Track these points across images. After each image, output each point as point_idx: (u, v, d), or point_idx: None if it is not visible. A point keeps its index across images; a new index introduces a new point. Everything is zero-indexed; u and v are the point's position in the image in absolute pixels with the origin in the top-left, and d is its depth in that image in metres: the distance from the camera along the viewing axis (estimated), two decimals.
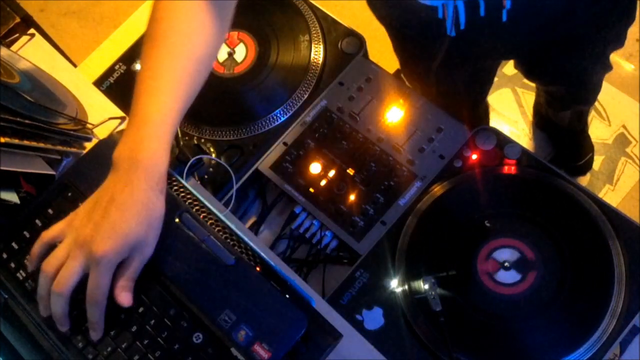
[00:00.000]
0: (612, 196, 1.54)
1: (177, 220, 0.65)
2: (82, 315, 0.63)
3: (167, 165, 0.61)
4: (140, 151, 0.59)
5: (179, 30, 0.63)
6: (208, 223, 0.66)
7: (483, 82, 1.10)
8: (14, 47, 0.91)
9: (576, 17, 0.80)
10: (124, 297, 0.59)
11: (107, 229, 0.57)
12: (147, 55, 0.63)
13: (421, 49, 0.91)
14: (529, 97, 1.65)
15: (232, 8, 0.68)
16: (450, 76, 0.96)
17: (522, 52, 0.95)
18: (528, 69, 1.05)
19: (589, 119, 1.54)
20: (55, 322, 0.60)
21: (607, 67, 1.03)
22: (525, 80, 1.67)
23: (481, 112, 1.23)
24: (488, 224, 0.76)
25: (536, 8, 0.75)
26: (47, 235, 0.62)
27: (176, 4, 0.63)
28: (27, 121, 0.66)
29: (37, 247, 0.62)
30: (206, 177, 0.84)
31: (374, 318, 0.74)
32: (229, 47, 0.93)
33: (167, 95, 0.61)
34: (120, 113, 0.84)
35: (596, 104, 1.59)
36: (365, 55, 0.91)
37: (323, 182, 0.82)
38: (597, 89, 1.19)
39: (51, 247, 0.61)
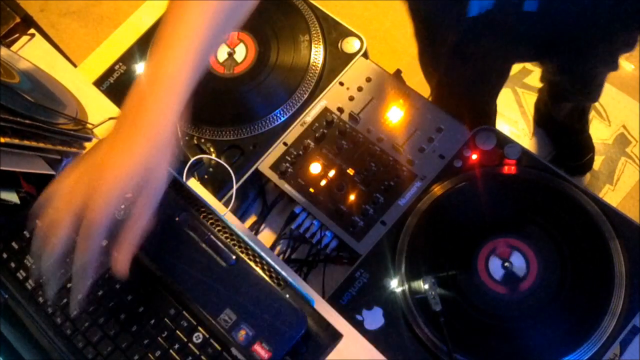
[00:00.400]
0: (612, 196, 1.54)
1: (177, 220, 0.65)
2: (84, 317, 0.63)
3: (175, 120, 0.57)
4: (147, 108, 0.55)
5: None
6: (208, 223, 0.66)
7: (492, 84, 1.09)
8: (14, 47, 0.91)
9: (598, 18, 0.80)
10: (120, 269, 0.53)
11: (103, 176, 0.53)
12: (172, 5, 0.59)
13: (436, 27, 0.90)
14: (529, 97, 1.65)
15: None
16: (460, 68, 0.95)
17: (535, 52, 0.95)
18: (535, 55, 1.03)
19: (590, 117, 1.54)
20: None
21: (614, 67, 1.03)
22: (526, 80, 1.67)
23: (489, 112, 1.23)
24: (466, 224, 0.76)
25: (566, 4, 0.74)
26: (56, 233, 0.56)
27: None
28: (27, 121, 0.66)
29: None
30: (206, 177, 0.84)
31: (374, 318, 0.74)
32: (229, 47, 0.93)
33: (184, 56, 0.57)
34: None
35: (596, 104, 1.59)
36: (365, 55, 0.91)
37: (323, 182, 0.82)
38: (600, 86, 1.20)
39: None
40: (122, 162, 0.54)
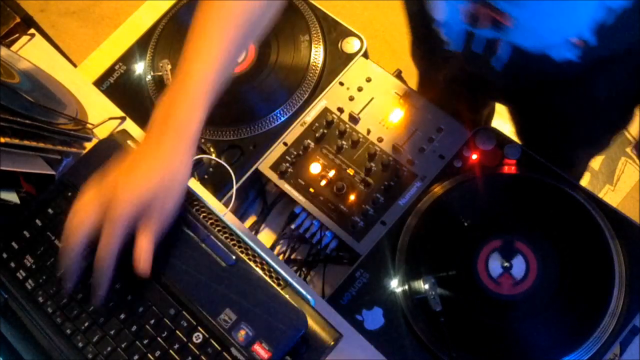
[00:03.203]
0: (612, 196, 1.54)
1: (176, 220, 0.65)
2: (84, 316, 0.63)
3: (201, 127, 0.61)
4: (174, 111, 0.60)
5: None
6: (208, 223, 0.66)
7: (483, 103, 1.09)
8: (14, 47, 0.91)
9: (569, 96, 0.79)
10: (143, 265, 0.58)
11: (127, 181, 0.58)
12: (202, 8, 0.62)
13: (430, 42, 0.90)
14: None
15: None
16: (453, 83, 0.96)
17: (508, 99, 0.95)
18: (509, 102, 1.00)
19: None
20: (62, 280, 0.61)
21: (596, 147, 1.00)
22: None
23: (485, 113, 1.23)
24: (466, 224, 0.76)
25: (530, 69, 0.74)
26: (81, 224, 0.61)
27: None
28: (27, 121, 0.66)
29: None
30: (206, 177, 0.84)
31: (374, 318, 0.74)
32: None
33: (212, 54, 0.61)
34: (120, 113, 0.84)
35: None
36: (365, 55, 0.91)
37: (323, 182, 0.82)
38: (579, 166, 1.12)
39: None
40: (153, 164, 0.59)
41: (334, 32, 0.92)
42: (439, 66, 0.93)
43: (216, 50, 0.62)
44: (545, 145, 0.85)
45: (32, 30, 0.93)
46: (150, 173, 0.59)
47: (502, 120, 1.62)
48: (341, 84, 0.88)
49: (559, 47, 0.67)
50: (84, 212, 0.59)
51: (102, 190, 0.59)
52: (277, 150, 0.85)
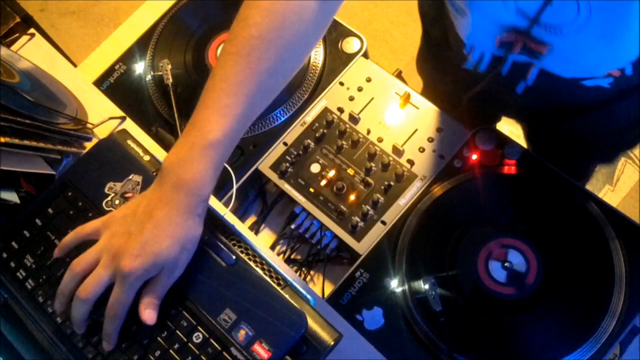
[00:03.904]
0: (612, 196, 1.54)
1: None
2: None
3: (212, 189, 0.59)
4: (188, 170, 0.57)
5: (269, 41, 0.57)
6: (208, 223, 0.66)
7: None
8: (14, 47, 0.91)
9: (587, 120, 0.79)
10: (148, 315, 0.58)
11: (139, 246, 0.56)
12: (226, 60, 0.57)
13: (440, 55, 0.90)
14: None
15: (334, 14, 0.63)
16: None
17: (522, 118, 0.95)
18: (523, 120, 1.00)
19: None
20: (72, 325, 0.60)
21: (611, 161, 1.02)
22: None
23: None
24: (466, 224, 0.76)
25: (556, 94, 0.73)
26: (82, 231, 0.61)
27: (276, 7, 0.56)
28: (27, 121, 0.66)
29: (68, 239, 0.61)
30: None
31: (374, 318, 0.74)
32: None
33: (233, 116, 0.57)
34: (120, 113, 0.84)
35: None
36: (366, 55, 0.91)
37: (323, 182, 0.82)
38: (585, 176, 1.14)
39: (82, 242, 0.61)
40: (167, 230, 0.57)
41: (334, 32, 0.92)
42: (449, 80, 0.93)
43: (237, 110, 0.57)
44: (554, 154, 0.84)
45: (32, 30, 0.93)
46: (166, 240, 0.57)
47: (502, 121, 1.62)
48: (341, 84, 0.88)
49: (594, 78, 0.66)
50: (95, 272, 0.57)
51: (110, 248, 0.57)
52: (277, 150, 0.85)
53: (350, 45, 0.90)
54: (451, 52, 0.82)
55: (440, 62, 0.94)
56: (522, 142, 1.11)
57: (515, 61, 0.69)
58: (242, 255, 0.63)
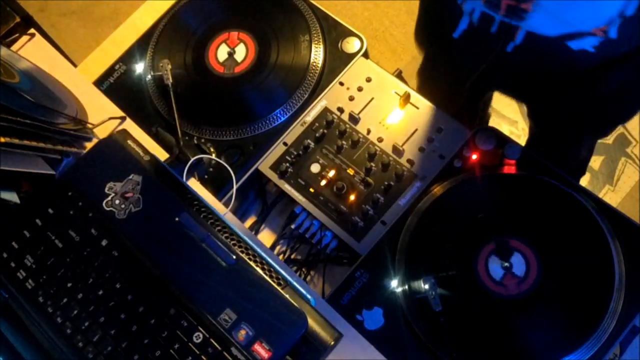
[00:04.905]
0: (612, 196, 1.54)
1: (177, 220, 0.65)
2: (84, 316, 0.63)
3: None
4: None
5: None
6: (208, 223, 0.66)
7: (477, 95, 1.10)
8: (14, 47, 0.91)
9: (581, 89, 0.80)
10: None
11: None
12: None
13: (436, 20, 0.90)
14: None
15: None
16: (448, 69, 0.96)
17: (514, 86, 0.95)
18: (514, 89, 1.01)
19: None
20: None
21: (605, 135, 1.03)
22: None
23: (481, 104, 1.22)
24: (466, 224, 0.76)
25: (543, 56, 0.74)
26: None
27: None
28: (27, 121, 0.66)
29: None
30: (206, 177, 0.84)
31: (374, 318, 0.74)
32: (229, 47, 0.93)
33: None
34: (120, 113, 0.84)
35: None
36: (366, 55, 0.91)
37: (323, 182, 0.82)
38: (582, 162, 1.16)
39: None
40: None
41: (334, 32, 0.92)
42: (445, 48, 0.93)
43: None
44: (553, 127, 0.85)
45: (32, 30, 0.94)
46: None
47: (502, 120, 1.63)
48: (341, 84, 0.88)
49: (579, 36, 0.66)
50: None
51: None
52: (277, 150, 0.85)
53: (350, 45, 0.90)
54: (446, 22, 0.83)
55: (439, 39, 0.94)
56: (522, 142, 1.11)
57: (502, 21, 0.70)
58: (242, 255, 0.63)
